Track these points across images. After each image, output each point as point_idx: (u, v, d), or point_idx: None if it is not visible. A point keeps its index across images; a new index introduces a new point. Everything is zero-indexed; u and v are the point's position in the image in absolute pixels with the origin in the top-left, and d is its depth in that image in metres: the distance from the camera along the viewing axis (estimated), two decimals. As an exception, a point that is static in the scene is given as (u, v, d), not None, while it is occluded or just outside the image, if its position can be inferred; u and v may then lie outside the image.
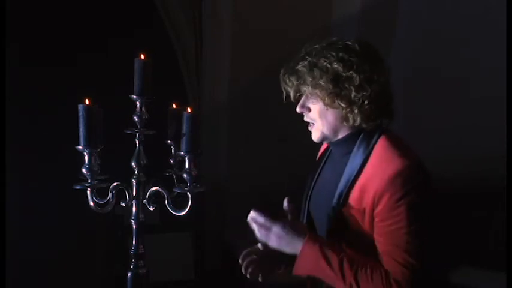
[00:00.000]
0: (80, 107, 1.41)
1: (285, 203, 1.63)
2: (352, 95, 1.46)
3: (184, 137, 1.41)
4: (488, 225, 3.53)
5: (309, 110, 1.55)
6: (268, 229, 1.53)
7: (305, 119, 1.59)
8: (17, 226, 3.12)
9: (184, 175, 1.42)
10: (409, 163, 1.42)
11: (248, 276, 1.65)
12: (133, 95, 1.48)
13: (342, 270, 1.42)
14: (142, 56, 1.48)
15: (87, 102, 1.41)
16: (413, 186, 1.40)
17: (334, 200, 1.50)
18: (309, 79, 1.49)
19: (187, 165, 1.41)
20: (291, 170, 3.78)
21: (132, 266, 1.54)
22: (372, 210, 1.43)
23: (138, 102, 1.49)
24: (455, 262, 3.27)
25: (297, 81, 1.52)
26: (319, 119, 1.53)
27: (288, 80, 1.55)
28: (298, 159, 3.81)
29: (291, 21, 3.63)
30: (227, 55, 3.80)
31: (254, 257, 1.65)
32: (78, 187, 1.43)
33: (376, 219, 1.43)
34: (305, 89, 1.51)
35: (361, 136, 1.51)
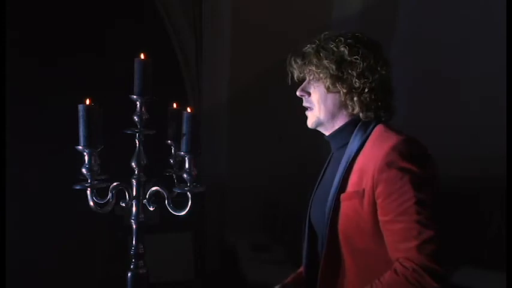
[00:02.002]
0: (80, 107, 1.41)
1: None
2: (354, 81, 1.47)
3: (184, 137, 1.41)
4: (488, 225, 3.53)
5: (309, 94, 1.56)
6: None
7: (304, 103, 1.58)
8: (17, 226, 3.12)
9: (184, 175, 1.42)
10: (405, 137, 1.41)
11: None
12: (133, 95, 1.48)
13: None
14: (142, 56, 1.48)
15: (87, 102, 1.41)
16: (412, 156, 1.38)
17: (333, 187, 1.47)
18: (314, 60, 1.50)
19: (187, 165, 1.41)
20: (291, 170, 3.79)
21: (132, 266, 1.54)
22: (373, 190, 1.39)
23: (138, 102, 1.49)
24: (455, 262, 3.27)
25: (302, 61, 1.53)
26: (318, 103, 1.54)
27: (293, 61, 1.56)
28: (298, 159, 3.82)
29: (290, 22, 3.63)
30: (227, 55, 3.80)
31: None
32: (78, 187, 1.43)
33: (380, 200, 1.38)
34: (309, 68, 1.52)
35: (359, 125, 1.51)
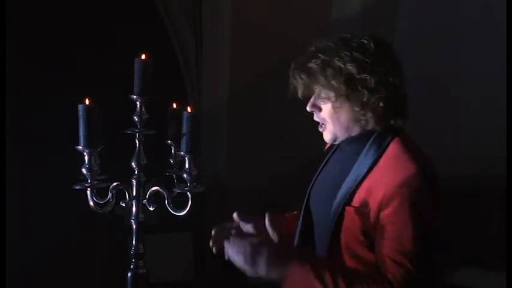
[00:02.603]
0: (80, 107, 1.41)
1: (267, 220, 1.62)
2: (365, 98, 1.42)
3: (184, 137, 1.41)
4: (488, 225, 3.53)
5: (320, 109, 1.51)
6: (255, 254, 1.38)
7: (315, 118, 1.54)
8: (17, 226, 3.12)
9: (184, 175, 1.42)
10: (419, 169, 1.37)
11: (214, 250, 1.64)
12: (133, 95, 1.48)
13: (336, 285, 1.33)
14: (143, 56, 1.48)
15: (87, 102, 1.41)
16: (422, 193, 1.36)
17: (339, 196, 1.45)
18: (321, 78, 1.44)
19: (187, 165, 1.41)
20: (291, 170, 3.79)
21: (132, 266, 1.54)
22: (378, 213, 1.39)
23: (138, 102, 1.49)
24: (455, 262, 3.27)
25: (308, 78, 1.47)
26: (331, 119, 1.49)
27: (298, 77, 1.50)
28: (298, 158, 3.82)
29: (290, 22, 3.63)
30: (227, 55, 3.80)
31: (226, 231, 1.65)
32: (78, 187, 1.43)
33: (381, 223, 1.38)
34: (316, 87, 1.48)
35: (374, 137, 1.47)
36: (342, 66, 1.42)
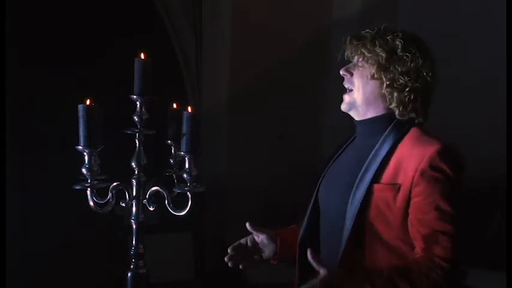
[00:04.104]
0: (80, 107, 1.41)
1: (248, 227, 1.69)
2: (398, 76, 1.51)
3: (184, 137, 1.41)
4: (488, 225, 3.53)
5: (351, 75, 1.58)
6: None
7: (344, 82, 1.60)
8: (17, 226, 3.12)
9: (184, 175, 1.42)
10: (449, 144, 1.48)
11: (230, 264, 1.68)
12: (133, 95, 1.48)
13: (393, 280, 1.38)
14: (143, 56, 1.48)
15: (87, 102, 1.41)
16: (455, 164, 1.45)
17: (366, 177, 1.49)
18: (368, 44, 1.54)
19: (187, 165, 1.41)
20: (291, 170, 3.79)
21: (132, 266, 1.54)
22: (410, 188, 1.43)
23: (138, 102, 1.49)
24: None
25: (357, 42, 1.56)
26: (358, 86, 1.56)
27: (349, 41, 1.59)
28: (298, 159, 3.82)
29: (290, 22, 3.63)
30: (227, 55, 3.80)
31: (242, 248, 1.71)
32: (78, 187, 1.43)
33: (418, 198, 1.43)
34: (361, 51, 1.55)
35: (394, 122, 1.53)
36: (391, 41, 1.53)
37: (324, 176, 1.66)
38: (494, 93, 3.36)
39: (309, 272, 1.51)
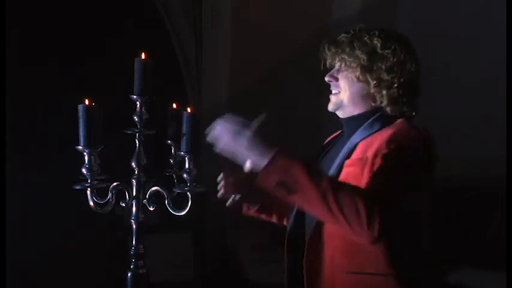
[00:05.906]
0: (80, 107, 1.41)
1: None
2: (383, 74, 1.52)
3: (184, 137, 1.41)
4: (488, 225, 3.53)
5: (337, 80, 1.59)
6: (241, 129, 1.48)
7: (331, 88, 1.62)
8: (17, 226, 3.12)
9: (184, 175, 1.42)
10: (418, 129, 1.48)
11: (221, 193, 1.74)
12: (133, 95, 1.48)
13: (317, 177, 1.34)
14: (143, 56, 1.48)
15: (87, 102, 1.41)
16: (418, 140, 1.45)
17: (340, 156, 1.51)
18: (347, 49, 1.54)
19: (187, 165, 1.41)
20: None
21: (132, 266, 1.54)
22: (373, 159, 1.43)
23: (138, 102, 1.49)
24: (455, 262, 3.27)
25: (336, 49, 1.57)
26: (345, 87, 1.57)
27: (327, 49, 1.59)
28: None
29: (290, 22, 3.63)
30: (227, 55, 3.80)
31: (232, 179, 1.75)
32: (78, 187, 1.43)
33: (374, 167, 1.43)
34: (342, 57, 1.56)
35: (378, 114, 1.54)
36: (368, 41, 1.54)
37: None
38: (494, 93, 3.36)
39: (297, 271, 1.53)
